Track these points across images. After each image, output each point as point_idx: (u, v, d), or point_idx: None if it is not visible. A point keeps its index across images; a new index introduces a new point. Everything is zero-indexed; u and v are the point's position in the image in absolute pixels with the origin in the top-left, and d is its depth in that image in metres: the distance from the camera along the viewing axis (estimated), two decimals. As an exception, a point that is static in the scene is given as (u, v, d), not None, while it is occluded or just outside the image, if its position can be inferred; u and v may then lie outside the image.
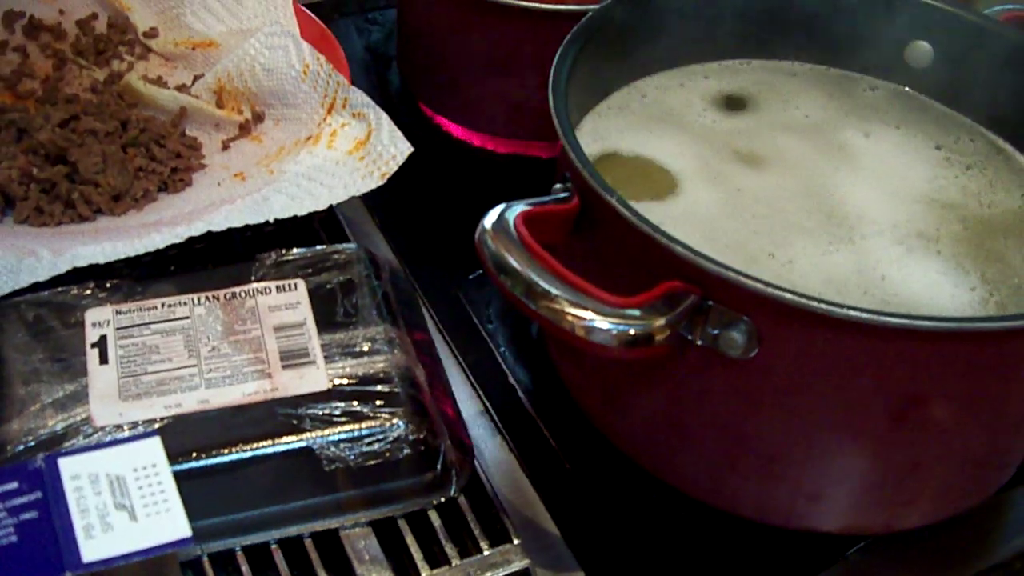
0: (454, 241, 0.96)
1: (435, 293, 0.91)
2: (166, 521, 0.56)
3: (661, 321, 0.64)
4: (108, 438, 0.70)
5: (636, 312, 0.64)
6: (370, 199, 0.93)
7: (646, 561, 0.77)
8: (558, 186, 0.73)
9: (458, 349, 0.88)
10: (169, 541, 0.55)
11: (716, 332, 0.66)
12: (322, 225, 0.93)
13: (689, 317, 0.66)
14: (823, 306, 0.62)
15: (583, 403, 0.82)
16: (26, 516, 0.56)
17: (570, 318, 0.64)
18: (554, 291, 0.64)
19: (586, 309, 0.63)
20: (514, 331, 0.90)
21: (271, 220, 0.83)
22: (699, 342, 0.67)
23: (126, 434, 0.70)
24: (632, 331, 0.64)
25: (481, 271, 0.94)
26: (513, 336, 0.89)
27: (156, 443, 0.59)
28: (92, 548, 0.55)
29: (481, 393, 0.85)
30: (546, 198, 0.72)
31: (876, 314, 0.63)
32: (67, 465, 0.58)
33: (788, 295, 0.63)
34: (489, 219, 0.67)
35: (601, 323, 0.63)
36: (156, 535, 0.56)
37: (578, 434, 0.82)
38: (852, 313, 0.62)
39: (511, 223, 0.67)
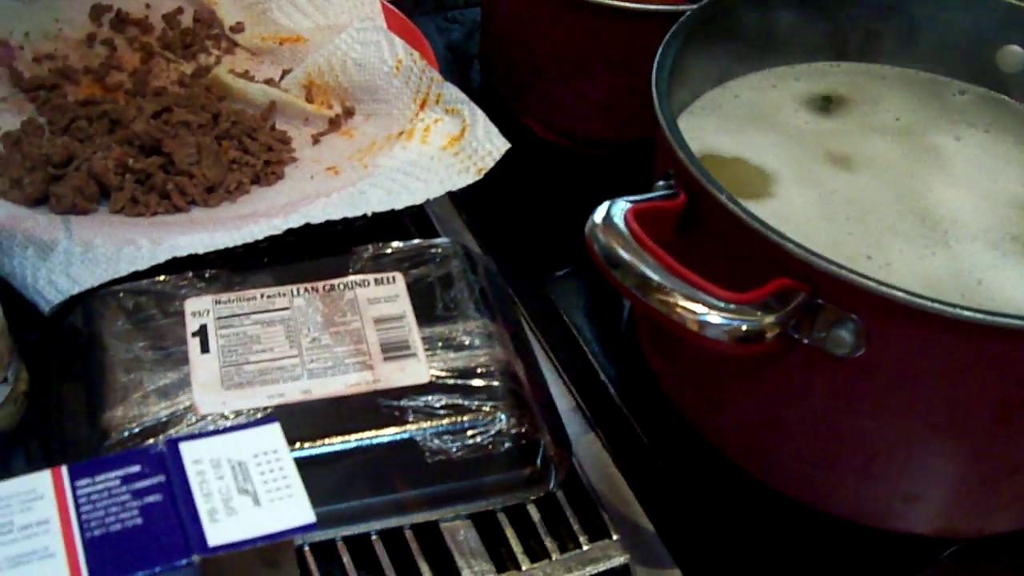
0: (541, 238, 0.96)
1: (524, 290, 0.91)
2: (290, 506, 0.56)
3: (772, 318, 0.64)
4: (211, 426, 0.70)
5: (748, 308, 0.64)
6: (457, 197, 0.93)
7: (740, 559, 0.77)
8: (661, 183, 0.73)
9: (548, 346, 0.88)
10: (294, 527, 0.56)
11: (824, 330, 0.66)
12: (413, 221, 0.93)
13: (798, 315, 0.65)
14: (936, 306, 0.62)
15: (676, 400, 0.82)
16: (150, 499, 0.56)
17: (682, 312, 0.63)
18: (667, 284, 0.64)
19: (699, 303, 0.63)
20: (603, 328, 0.90)
21: (369, 213, 0.83)
22: (806, 340, 0.66)
23: (231, 422, 0.70)
24: (744, 327, 0.63)
25: (569, 269, 0.94)
26: (603, 333, 0.89)
27: (276, 429, 0.59)
28: (217, 532, 0.55)
29: (573, 390, 0.84)
30: (651, 195, 0.71)
31: (989, 314, 0.62)
32: (188, 450, 0.58)
33: (901, 294, 0.62)
34: (599, 214, 0.67)
35: (714, 318, 0.63)
36: (280, 520, 0.56)
37: (671, 431, 0.82)
38: (965, 313, 0.62)
39: (621, 217, 0.67)
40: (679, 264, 0.64)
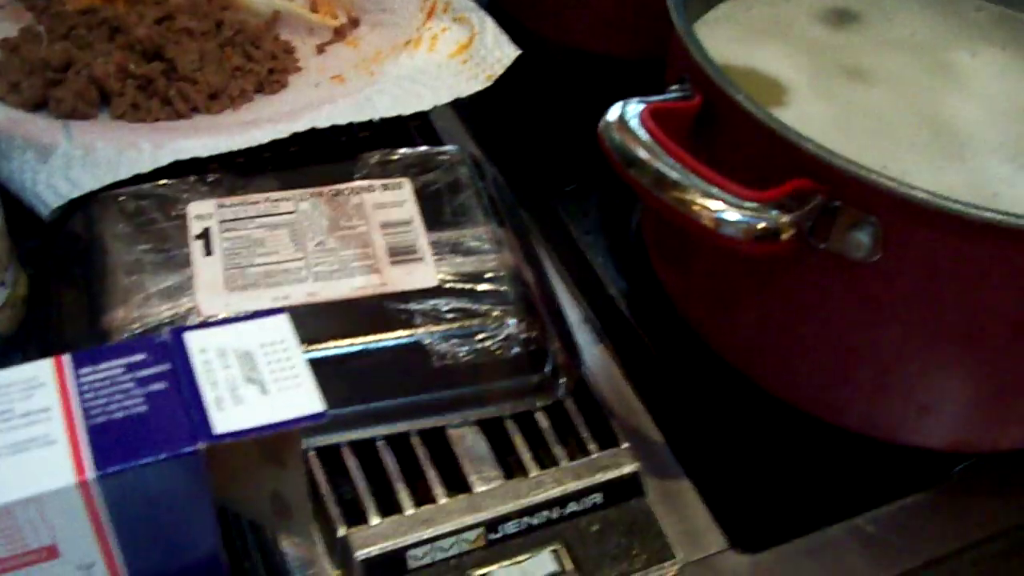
0: (548, 152, 0.95)
1: (530, 204, 0.89)
2: (298, 395, 0.55)
3: (788, 218, 0.63)
4: (222, 320, 0.68)
5: (765, 207, 0.63)
6: (462, 110, 0.92)
7: (750, 471, 0.76)
8: (675, 87, 0.71)
9: (556, 258, 0.86)
10: (302, 415, 0.54)
11: (841, 234, 0.65)
12: (418, 132, 0.91)
13: (815, 217, 0.64)
14: (957, 207, 0.61)
15: (686, 312, 0.81)
16: (155, 387, 0.55)
17: (699, 209, 0.62)
18: (684, 181, 0.62)
19: (716, 200, 0.62)
20: (611, 241, 0.89)
21: (375, 119, 0.81)
22: (822, 245, 0.65)
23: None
24: (761, 225, 0.62)
25: (576, 184, 0.93)
26: (610, 246, 0.88)
27: (284, 320, 0.58)
28: (223, 419, 0.54)
29: (582, 301, 0.83)
30: (665, 96, 0.70)
31: (1010, 215, 0.61)
32: (194, 339, 0.57)
33: (921, 195, 0.61)
34: (613, 113, 0.66)
35: (730, 215, 0.62)
36: (288, 409, 0.54)
37: (680, 343, 0.81)
38: (987, 215, 0.61)
39: (636, 116, 0.65)
40: (696, 161, 0.63)
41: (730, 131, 0.68)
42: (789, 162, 0.64)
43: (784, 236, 0.63)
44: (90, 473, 0.51)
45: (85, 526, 0.53)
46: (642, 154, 0.64)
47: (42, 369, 0.55)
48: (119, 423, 0.53)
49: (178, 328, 0.57)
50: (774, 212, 0.62)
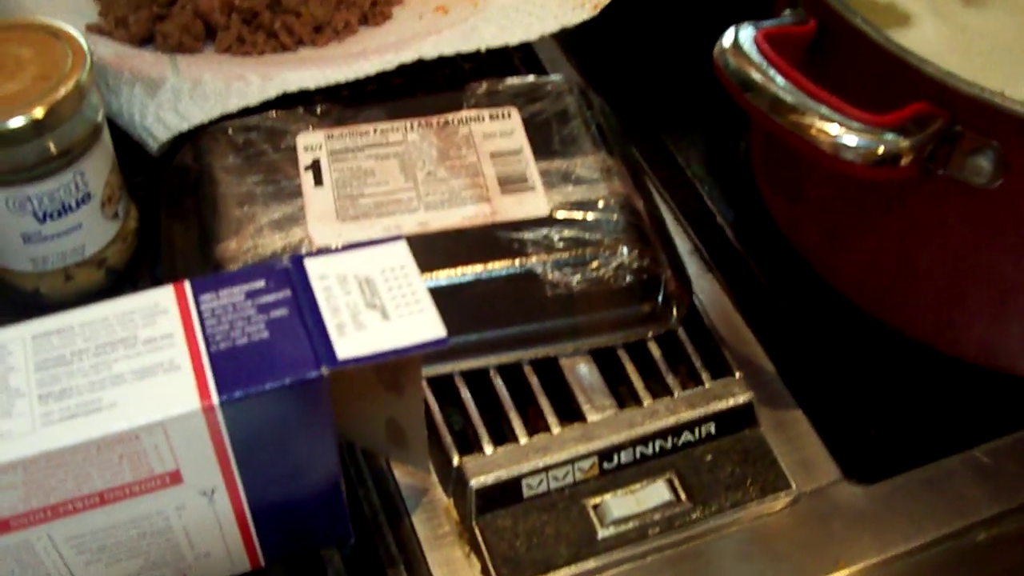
0: (653, 82, 0.94)
1: (637, 134, 0.88)
2: (420, 320, 0.55)
3: (908, 142, 0.61)
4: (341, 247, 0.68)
5: (885, 131, 0.61)
6: (566, 40, 0.91)
7: (864, 402, 0.75)
8: (787, 11, 0.70)
9: (665, 189, 0.85)
10: (425, 341, 0.54)
11: (962, 159, 0.63)
12: (522, 62, 0.91)
13: (935, 142, 0.63)
14: (1086, 129, 0.59)
15: (797, 241, 0.80)
16: (276, 313, 0.55)
17: (818, 133, 0.61)
18: (802, 105, 0.61)
19: (835, 123, 0.61)
20: (720, 172, 0.88)
21: (482, 48, 0.81)
22: (941, 171, 0.64)
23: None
24: (880, 149, 0.61)
25: (683, 112, 0.92)
26: (719, 177, 0.87)
27: (403, 246, 0.58)
28: (346, 345, 0.54)
29: (691, 232, 0.82)
30: (779, 20, 0.69)
31: None
32: (314, 266, 0.57)
33: (1046, 118, 0.59)
34: (727, 38, 0.65)
35: (850, 139, 0.61)
36: (411, 334, 0.54)
37: (791, 273, 0.80)
38: (1116, 136, 0.59)
39: (751, 40, 0.64)
40: (813, 85, 0.62)
41: (846, 55, 0.67)
42: (908, 86, 0.63)
43: (904, 161, 0.61)
44: (214, 399, 0.52)
45: (208, 451, 0.54)
46: (758, 78, 0.63)
47: (163, 295, 0.55)
48: (242, 349, 0.53)
49: (298, 255, 0.57)
50: (894, 136, 0.61)
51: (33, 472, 0.51)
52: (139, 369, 0.52)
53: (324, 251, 0.57)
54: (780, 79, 0.62)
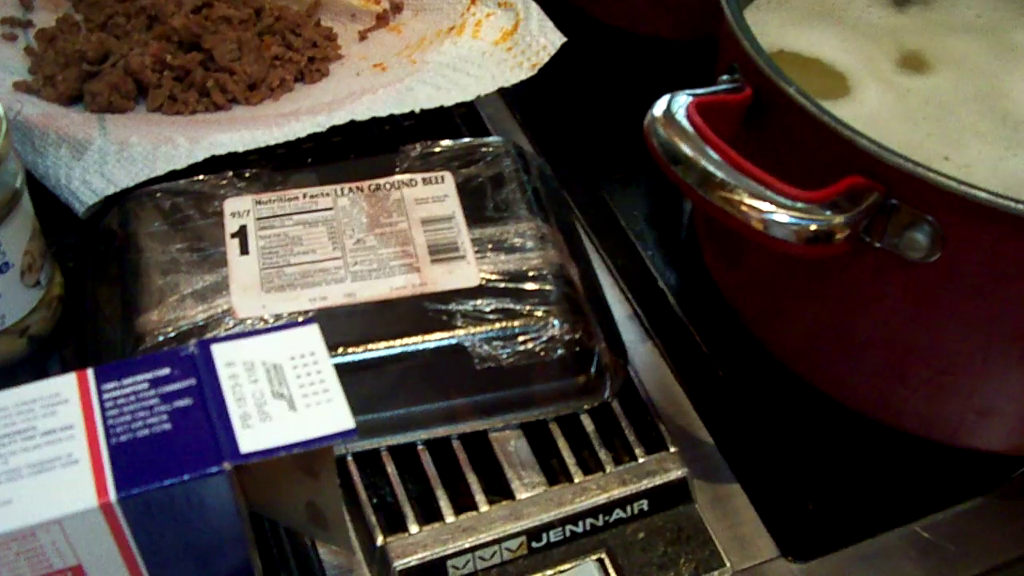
0: (597, 139, 0.92)
1: (578, 193, 0.87)
2: (327, 412, 0.53)
3: (842, 218, 0.60)
4: (251, 331, 0.66)
5: (817, 207, 0.60)
6: (509, 95, 0.89)
7: (803, 475, 0.74)
8: (725, 77, 0.69)
9: (604, 251, 0.84)
10: (332, 433, 0.52)
11: (897, 233, 0.62)
12: (463, 120, 0.89)
13: (871, 216, 0.61)
14: (1020, 207, 0.58)
15: (738, 308, 0.78)
16: (180, 403, 0.53)
17: (748, 210, 0.60)
18: (732, 181, 0.60)
19: (766, 201, 0.60)
20: (662, 233, 0.86)
21: (416, 110, 0.79)
22: (878, 244, 0.62)
23: (271, 326, 0.66)
24: (813, 227, 0.60)
25: (627, 171, 0.91)
26: (661, 239, 0.86)
27: (314, 331, 0.56)
28: (250, 438, 0.52)
29: (630, 296, 0.81)
30: (714, 88, 0.67)
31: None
32: (221, 351, 0.55)
33: (982, 194, 0.58)
34: (659, 107, 0.63)
35: (781, 216, 0.60)
36: (317, 426, 0.52)
37: (732, 340, 0.79)
38: (1053, 214, 0.58)
39: (683, 111, 0.63)
40: (744, 160, 0.60)
41: (782, 125, 0.66)
42: (844, 158, 0.62)
43: (838, 237, 0.60)
44: (112, 495, 0.50)
45: (110, 546, 0.52)
46: (688, 151, 0.61)
47: (66, 384, 0.53)
48: (143, 441, 0.52)
49: (206, 340, 0.55)
50: (827, 212, 0.60)
51: (-77, 571, 0.49)
52: (36, 463, 0.50)
53: (232, 336, 0.55)
54: (710, 153, 0.61)
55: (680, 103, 0.64)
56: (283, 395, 0.53)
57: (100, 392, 0.53)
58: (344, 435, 0.52)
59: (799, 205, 0.60)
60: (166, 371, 0.54)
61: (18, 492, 0.50)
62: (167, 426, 0.52)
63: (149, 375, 0.54)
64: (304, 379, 0.54)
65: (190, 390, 0.53)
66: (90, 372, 0.54)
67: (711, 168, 0.61)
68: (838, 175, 0.61)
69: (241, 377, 0.54)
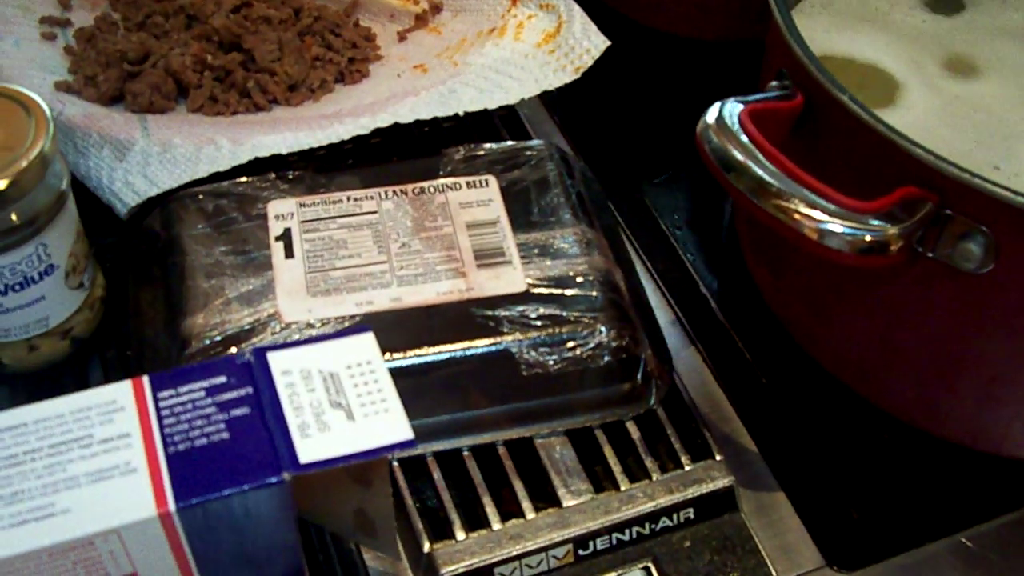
0: (637, 142, 0.92)
1: (619, 196, 0.86)
2: (386, 421, 0.53)
3: (896, 229, 0.60)
4: (296, 335, 0.66)
5: (872, 218, 0.59)
6: (548, 98, 0.89)
7: (848, 484, 0.73)
8: (774, 83, 0.68)
9: (646, 255, 0.83)
10: (390, 443, 0.52)
11: (951, 244, 0.62)
12: (503, 123, 0.89)
13: (924, 227, 0.61)
14: (1076, 217, 0.57)
15: (782, 315, 0.78)
16: (237, 412, 0.53)
17: (802, 219, 0.59)
18: (787, 190, 0.60)
19: (820, 211, 0.59)
20: (703, 238, 0.86)
21: (460, 113, 0.79)
22: (930, 254, 0.62)
23: (317, 331, 0.66)
24: (868, 237, 0.59)
25: (667, 174, 0.90)
26: (702, 243, 0.85)
27: (370, 339, 0.56)
28: (309, 448, 0.52)
29: (672, 302, 0.80)
30: (765, 95, 0.67)
31: None
32: (277, 360, 0.55)
33: (1040, 204, 0.58)
34: (711, 114, 0.63)
35: (835, 227, 0.59)
36: (376, 436, 0.52)
37: (775, 347, 0.78)
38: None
39: (735, 118, 0.62)
40: (798, 168, 0.60)
41: (834, 133, 0.65)
42: (897, 168, 0.61)
43: (892, 249, 0.60)
44: (171, 505, 0.50)
45: (166, 555, 0.52)
46: (742, 159, 0.61)
47: (121, 392, 0.53)
48: (200, 450, 0.51)
49: (262, 348, 0.55)
50: (881, 223, 0.59)
51: (-19, 579, 0.48)
52: (94, 471, 0.50)
53: (288, 344, 0.55)
54: (764, 160, 0.61)
55: (732, 110, 0.63)
56: (341, 404, 0.53)
57: (156, 400, 0.53)
58: (403, 445, 0.52)
59: (854, 215, 0.59)
60: (222, 379, 0.53)
61: (77, 501, 0.49)
62: (225, 435, 0.52)
63: (205, 383, 0.53)
64: (361, 388, 0.54)
65: (247, 399, 0.53)
66: (145, 380, 0.54)
67: (765, 176, 0.60)
68: (891, 185, 0.61)
69: (298, 386, 0.53)
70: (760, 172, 0.60)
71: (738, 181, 0.61)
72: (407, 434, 0.52)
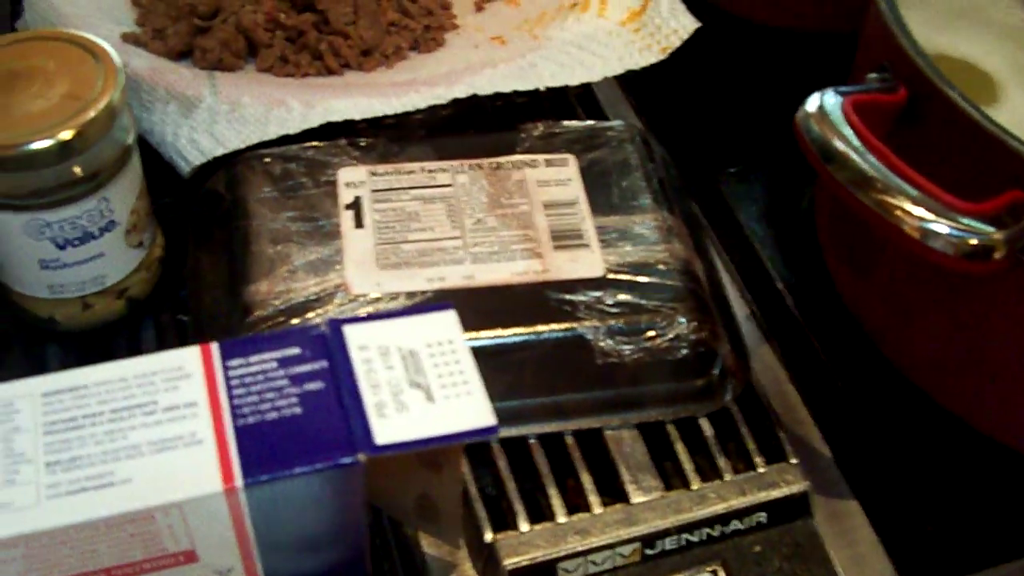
0: (714, 129, 0.89)
1: (695, 185, 0.83)
2: (467, 405, 0.50)
3: (1003, 234, 0.57)
4: (364, 309, 0.64)
5: (979, 220, 0.57)
6: (625, 78, 0.86)
7: (925, 495, 0.70)
8: (874, 75, 0.65)
9: (722, 247, 0.80)
10: (473, 428, 0.49)
11: (1055, 251, 0.58)
12: (579, 101, 0.86)
13: (1029, 233, 0.58)
14: None
15: (862, 317, 0.75)
16: (311, 386, 0.50)
17: (904, 216, 0.57)
18: (891, 184, 0.57)
19: (926, 208, 0.56)
20: (780, 231, 0.82)
21: (541, 88, 0.76)
22: (1034, 261, 0.59)
23: (385, 305, 0.64)
24: (973, 240, 0.56)
25: (744, 164, 0.87)
26: (779, 237, 0.82)
27: (452, 316, 0.53)
28: (385, 429, 0.49)
29: (748, 295, 0.77)
30: (865, 87, 0.64)
31: None
32: (354, 333, 0.52)
33: None
34: (812, 103, 0.60)
35: (940, 227, 0.56)
36: (457, 421, 0.50)
37: (852, 348, 0.75)
38: None
39: (838, 108, 0.60)
40: (904, 163, 0.57)
41: (939, 131, 0.62)
42: (1005, 170, 0.58)
43: (996, 255, 0.57)
44: (238, 480, 0.47)
45: (228, 532, 0.49)
46: (843, 149, 0.58)
47: (188, 358, 0.51)
48: (271, 425, 0.49)
49: (337, 320, 0.52)
50: (988, 227, 0.57)
51: (35, 547, 0.46)
52: (157, 440, 0.48)
53: (365, 317, 0.53)
54: (868, 153, 0.58)
55: (833, 100, 0.61)
56: (420, 384, 0.50)
57: (226, 368, 0.50)
58: (485, 432, 0.50)
59: (960, 216, 0.56)
60: (296, 351, 0.51)
61: (138, 471, 0.47)
62: (297, 410, 0.49)
63: (278, 353, 0.51)
64: (442, 368, 0.51)
65: (322, 372, 0.50)
66: (214, 347, 0.51)
67: (867, 169, 0.58)
68: (996, 186, 0.58)
69: (375, 362, 0.51)
70: (864, 164, 0.58)
71: (839, 172, 0.58)
72: (490, 420, 0.50)
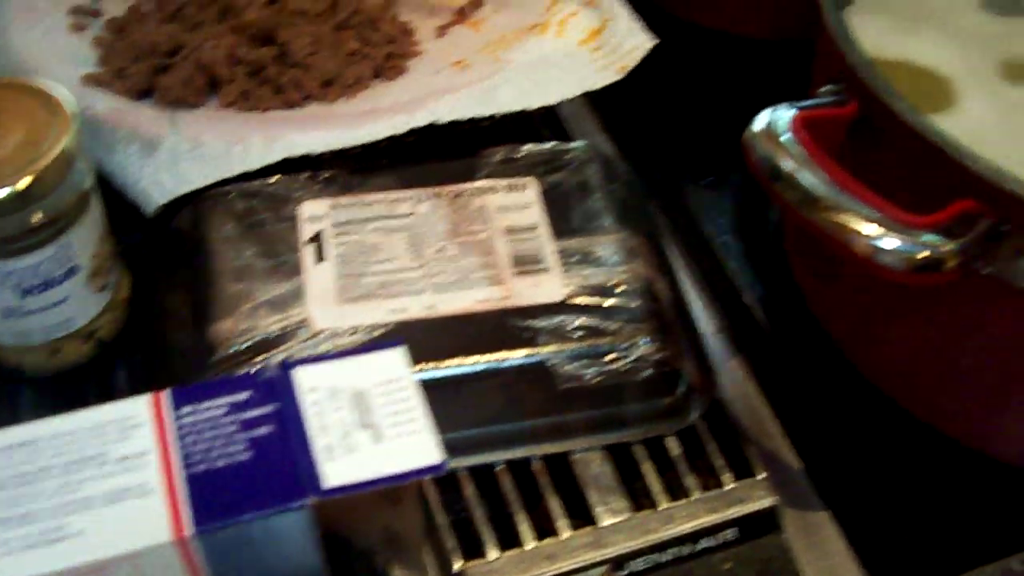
0: (679, 143, 0.89)
1: (661, 200, 0.84)
2: (415, 444, 0.50)
3: (953, 246, 0.57)
4: (327, 344, 0.64)
5: (927, 233, 0.57)
6: (590, 94, 0.86)
7: (897, 504, 0.70)
8: (826, 88, 0.66)
9: (687, 261, 0.81)
10: (419, 467, 0.50)
11: (1009, 260, 0.59)
12: (543, 122, 0.86)
13: (981, 243, 0.58)
14: None
15: (831, 328, 0.75)
16: (260, 431, 0.50)
17: (853, 233, 0.57)
18: (838, 202, 0.57)
19: (874, 224, 0.56)
20: (748, 245, 0.83)
21: (499, 113, 0.76)
22: (987, 270, 0.59)
23: (348, 339, 0.64)
24: (923, 254, 0.57)
25: (711, 178, 0.87)
26: (747, 250, 0.82)
27: (401, 355, 0.54)
28: (334, 471, 0.49)
29: (715, 310, 0.78)
30: (817, 101, 0.64)
31: None
32: (304, 375, 0.52)
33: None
34: (759, 121, 0.61)
35: (889, 242, 0.56)
36: (404, 460, 0.50)
37: (822, 360, 0.75)
38: None
39: (787, 124, 0.60)
40: (852, 179, 0.57)
41: (888, 143, 0.62)
42: (954, 180, 0.58)
43: (949, 265, 0.57)
44: (188, 530, 0.47)
45: (183, 579, 0.49)
46: (790, 169, 0.59)
47: (139, 407, 0.51)
48: (221, 471, 0.49)
49: (288, 363, 0.52)
50: (937, 239, 0.57)
51: (-11, 603, 0.46)
52: (109, 492, 0.48)
53: (315, 358, 0.53)
54: (815, 170, 0.58)
55: (783, 115, 0.61)
56: (368, 425, 0.51)
57: (176, 416, 0.51)
58: (432, 470, 0.50)
59: (908, 230, 0.57)
60: (246, 395, 0.51)
61: (91, 523, 0.48)
62: (246, 456, 0.50)
63: (228, 399, 0.51)
64: (390, 408, 0.51)
65: (271, 416, 0.51)
66: (165, 395, 0.51)
67: (815, 187, 0.58)
68: (947, 197, 0.58)
69: (325, 404, 0.51)
70: (809, 183, 0.58)
71: (786, 192, 0.59)
72: (437, 457, 0.50)
